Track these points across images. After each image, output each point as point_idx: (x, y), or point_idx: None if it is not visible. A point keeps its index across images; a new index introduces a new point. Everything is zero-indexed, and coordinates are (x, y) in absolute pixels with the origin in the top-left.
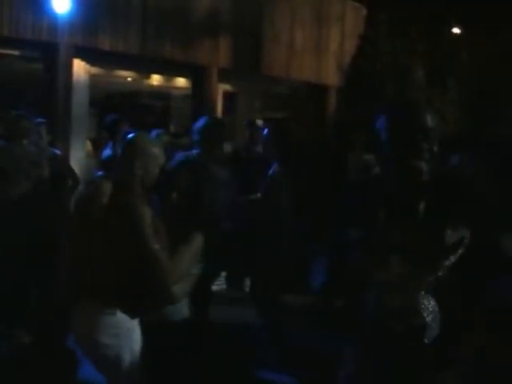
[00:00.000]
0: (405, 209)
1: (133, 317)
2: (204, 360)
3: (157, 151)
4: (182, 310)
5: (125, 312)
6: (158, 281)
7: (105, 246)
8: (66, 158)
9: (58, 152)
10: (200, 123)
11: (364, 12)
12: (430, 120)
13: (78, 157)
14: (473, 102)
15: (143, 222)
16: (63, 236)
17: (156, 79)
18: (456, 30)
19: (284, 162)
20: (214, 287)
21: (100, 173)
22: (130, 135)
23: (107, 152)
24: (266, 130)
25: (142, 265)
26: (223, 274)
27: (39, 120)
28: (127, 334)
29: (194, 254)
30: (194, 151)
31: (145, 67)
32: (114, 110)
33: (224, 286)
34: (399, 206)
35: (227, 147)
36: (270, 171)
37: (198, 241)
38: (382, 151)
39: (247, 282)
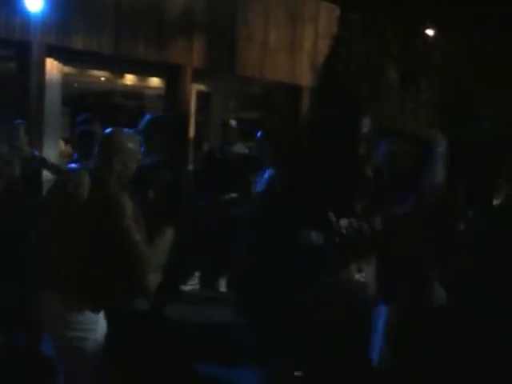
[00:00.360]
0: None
1: (100, 309)
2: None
3: (134, 147)
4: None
5: (96, 304)
6: (137, 271)
7: (84, 240)
8: (43, 159)
9: (36, 153)
10: (142, 122)
11: (337, 12)
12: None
13: (51, 156)
14: (446, 102)
15: (125, 213)
16: (34, 232)
17: (129, 79)
18: (430, 32)
19: (280, 164)
20: (188, 287)
21: (73, 164)
22: (107, 131)
23: None
24: (259, 133)
25: (122, 256)
26: (197, 274)
27: (18, 121)
28: (92, 328)
29: (166, 246)
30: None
31: (118, 67)
32: (88, 109)
33: (197, 286)
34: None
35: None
36: (266, 174)
37: (169, 234)
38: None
39: (221, 282)
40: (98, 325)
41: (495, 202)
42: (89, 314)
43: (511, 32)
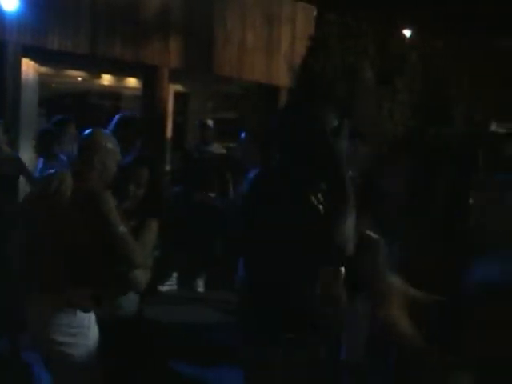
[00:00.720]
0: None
1: (91, 309)
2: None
3: (113, 147)
4: (134, 304)
5: (86, 303)
6: (126, 264)
7: (70, 238)
8: (20, 159)
9: (14, 153)
10: (112, 122)
11: (314, 13)
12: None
13: (27, 157)
14: (422, 102)
15: (109, 207)
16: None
17: (106, 79)
18: (406, 32)
19: (266, 164)
20: (165, 287)
21: (52, 170)
22: (87, 131)
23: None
24: (243, 134)
25: (110, 251)
26: (175, 274)
27: None
28: (83, 332)
29: (152, 241)
30: None
31: (95, 67)
32: (64, 110)
33: (175, 287)
34: None
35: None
36: (250, 175)
37: (154, 228)
38: None
39: (199, 283)
40: (90, 330)
41: (470, 201)
42: (79, 317)
43: (487, 33)
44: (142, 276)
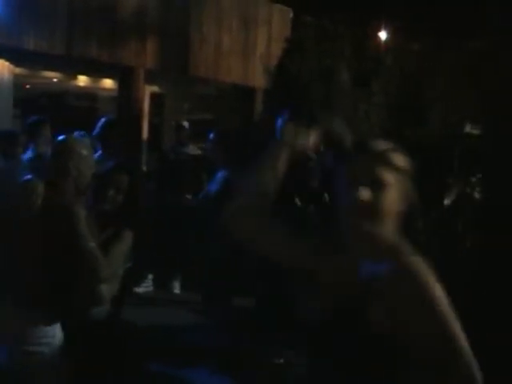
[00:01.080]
0: None
1: (57, 321)
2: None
3: (87, 153)
4: (104, 309)
5: (51, 316)
6: (90, 279)
7: (39, 249)
8: None
9: None
10: (97, 126)
11: (291, 15)
12: None
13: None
14: (398, 104)
15: (79, 221)
16: None
17: (82, 80)
18: (382, 34)
19: (231, 165)
20: (141, 289)
21: (28, 176)
22: (61, 137)
23: (29, 154)
24: (211, 134)
25: (76, 264)
26: (150, 276)
27: None
28: (49, 341)
29: (124, 252)
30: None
31: (71, 68)
32: (39, 111)
33: (151, 288)
34: None
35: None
36: (218, 175)
37: (126, 240)
38: None
39: (175, 284)
40: (55, 338)
41: (446, 201)
42: (47, 327)
43: (460, 34)
44: (106, 290)
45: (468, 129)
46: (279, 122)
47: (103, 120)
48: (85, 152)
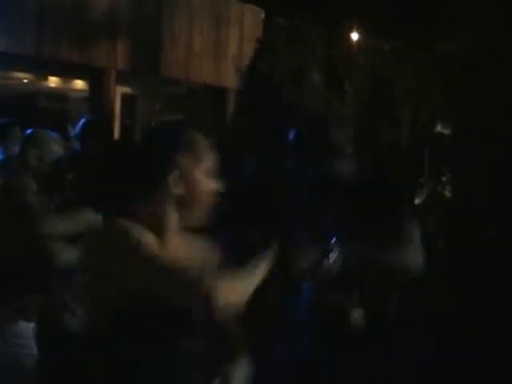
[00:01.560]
0: None
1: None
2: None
3: (51, 141)
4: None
5: (25, 314)
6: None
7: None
8: None
9: None
10: (77, 126)
11: (262, 15)
12: None
13: None
14: (369, 104)
15: (41, 218)
16: None
17: (53, 81)
18: (353, 35)
19: None
20: None
21: None
22: (30, 130)
23: None
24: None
25: (42, 261)
26: None
27: None
28: (26, 343)
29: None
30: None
31: (41, 69)
32: (9, 112)
33: None
34: None
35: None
36: None
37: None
38: None
39: None
40: (33, 342)
41: (417, 200)
42: (23, 327)
43: (431, 35)
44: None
45: (439, 128)
46: None
47: (83, 120)
48: (46, 139)
